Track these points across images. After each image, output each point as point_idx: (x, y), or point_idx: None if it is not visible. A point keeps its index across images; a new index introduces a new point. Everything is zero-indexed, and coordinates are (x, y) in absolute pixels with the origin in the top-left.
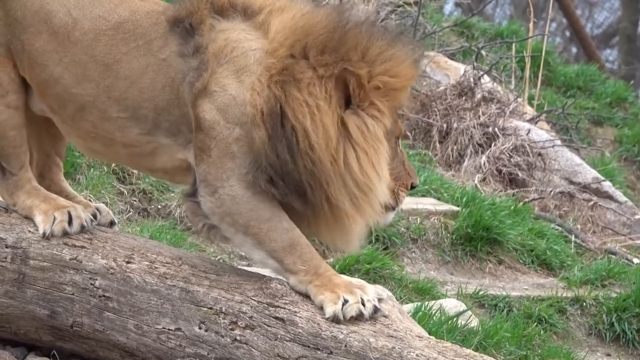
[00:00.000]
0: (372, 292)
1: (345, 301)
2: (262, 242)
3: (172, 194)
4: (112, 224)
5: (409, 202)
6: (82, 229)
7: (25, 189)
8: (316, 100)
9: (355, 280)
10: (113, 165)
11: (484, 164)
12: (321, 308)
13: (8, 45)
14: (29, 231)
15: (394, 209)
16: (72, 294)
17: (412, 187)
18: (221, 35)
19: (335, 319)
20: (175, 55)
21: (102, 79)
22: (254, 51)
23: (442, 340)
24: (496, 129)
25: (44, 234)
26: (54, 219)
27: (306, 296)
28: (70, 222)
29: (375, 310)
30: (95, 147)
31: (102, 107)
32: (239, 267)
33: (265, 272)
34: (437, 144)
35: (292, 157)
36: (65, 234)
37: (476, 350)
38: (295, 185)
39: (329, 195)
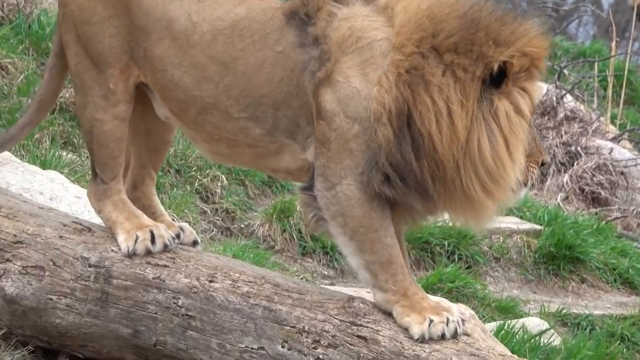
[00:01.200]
0: (456, 313)
1: (431, 321)
2: (363, 251)
3: (255, 213)
4: (194, 243)
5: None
6: (165, 248)
7: (112, 200)
8: (448, 104)
9: (442, 301)
10: (196, 184)
11: (567, 182)
12: (406, 329)
13: (131, 53)
14: (112, 250)
15: (525, 185)
16: (155, 313)
17: (543, 164)
18: (344, 24)
19: (422, 339)
20: (293, 46)
21: (220, 79)
22: (379, 42)
23: (525, 359)
24: (579, 148)
25: (126, 252)
26: (137, 237)
27: (388, 314)
28: (153, 240)
29: (457, 330)
30: (220, 150)
31: (222, 108)
32: (321, 286)
33: (349, 290)
34: None
35: (417, 157)
36: (147, 252)
37: None
38: (415, 184)
39: (458, 186)
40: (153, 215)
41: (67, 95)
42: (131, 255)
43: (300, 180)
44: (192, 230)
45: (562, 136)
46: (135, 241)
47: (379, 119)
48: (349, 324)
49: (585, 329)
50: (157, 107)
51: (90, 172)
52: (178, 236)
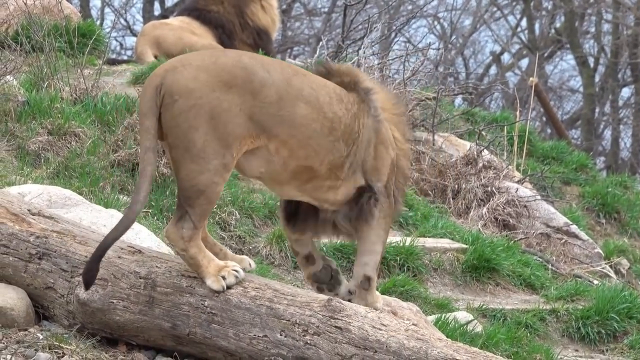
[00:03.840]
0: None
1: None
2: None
3: (260, 238)
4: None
5: (431, 242)
6: (236, 280)
7: (197, 243)
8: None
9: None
10: (216, 217)
11: (485, 213)
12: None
13: (253, 127)
14: (156, 266)
15: None
16: (188, 312)
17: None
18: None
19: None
20: (359, 110)
21: (339, 127)
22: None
23: (456, 342)
24: (493, 188)
25: (219, 290)
26: (223, 279)
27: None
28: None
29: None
30: (296, 185)
31: (338, 152)
32: (309, 291)
33: (324, 297)
34: (451, 200)
35: None
36: (228, 288)
37: (481, 348)
38: None
39: None
40: (216, 250)
41: (122, 154)
42: (219, 292)
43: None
44: (250, 260)
45: (481, 179)
46: (223, 278)
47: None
48: (328, 317)
49: (500, 319)
50: (254, 165)
51: (175, 216)
52: (245, 269)
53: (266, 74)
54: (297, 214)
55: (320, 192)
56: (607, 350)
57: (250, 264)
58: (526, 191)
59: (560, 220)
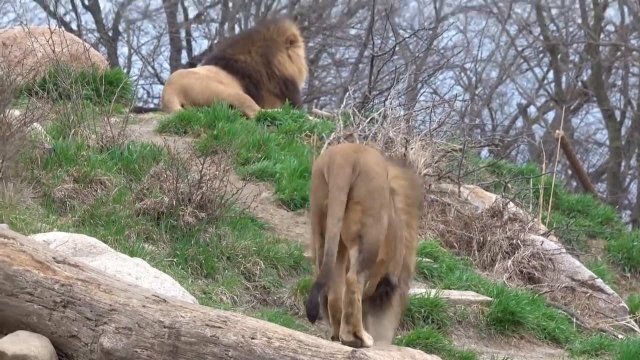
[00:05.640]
0: None
1: None
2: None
3: (285, 289)
4: None
5: (456, 294)
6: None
7: None
8: None
9: None
10: (241, 267)
11: (510, 266)
12: None
13: None
14: (181, 316)
15: None
16: None
17: None
18: None
19: None
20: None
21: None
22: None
23: None
24: (519, 241)
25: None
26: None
27: None
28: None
29: None
30: None
31: None
32: (333, 342)
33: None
34: (476, 252)
35: None
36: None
37: None
38: None
39: None
40: None
41: (148, 203)
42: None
43: None
44: None
45: (506, 232)
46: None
47: None
48: None
49: None
50: None
51: (356, 266)
52: None
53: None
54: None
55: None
56: None
57: None
58: (551, 244)
59: (586, 273)
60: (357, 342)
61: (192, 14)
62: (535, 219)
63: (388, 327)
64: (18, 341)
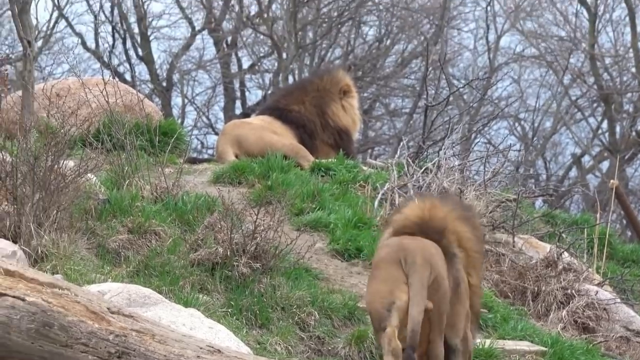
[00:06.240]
0: None
1: None
2: None
3: (339, 339)
4: None
5: (511, 344)
6: None
7: None
8: None
9: None
10: (296, 318)
11: (564, 316)
12: None
13: None
14: None
15: None
16: None
17: None
18: None
19: None
20: None
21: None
22: None
23: None
24: (573, 291)
25: None
26: None
27: None
28: None
29: None
30: None
31: None
32: None
33: None
34: (531, 302)
35: None
36: None
37: None
38: None
39: None
40: None
41: (202, 253)
42: None
43: None
44: None
45: (561, 282)
46: None
47: None
48: None
49: None
50: None
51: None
52: None
53: None
54: None
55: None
56: None
57: None
58: (606, 294)
59: None
60: None
61: (246, 64)
62: (590, 269)
63: None
64: None
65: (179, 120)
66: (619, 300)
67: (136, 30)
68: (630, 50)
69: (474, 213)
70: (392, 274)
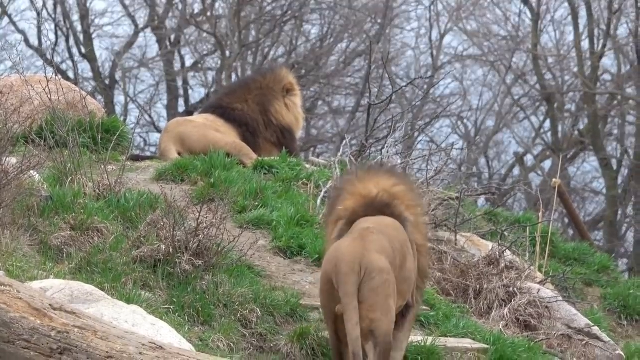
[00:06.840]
0: None
1: None
2: None
3: (281, 336)
4: None
5: (452, 342)
6: None
7: None
8: None
9: None
10: (238, 315)
11: (507, 314)
12: None
13: None
14: None
15: None
16: None
17: None
18: None
19: None
20: None
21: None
22: None
23: None
24: (515, 289)
25: None
26: None
27: None
28: None
29: None
30: None
31: None
32: None
33: None
34: (473, 300)
35: None
36: None
37: None
38: None
39: None
40: None
41: (145, 250)
42: None
43: None
44: None
45: (503, 280)
46: None
47: None
48: None
49: None
50: None
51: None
52: None
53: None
54: None
55: None
56: None
57: None
58: (548, 292)
59: (582, 321)
60: None
61: (189, 62)
62: (532, 267)
63: (402, 339)
64: None
65: (122, 118)
66: (560, 298)
67: (79, 27)
68: (573, 50)
69: (407, 178)
70: (328, 301)
